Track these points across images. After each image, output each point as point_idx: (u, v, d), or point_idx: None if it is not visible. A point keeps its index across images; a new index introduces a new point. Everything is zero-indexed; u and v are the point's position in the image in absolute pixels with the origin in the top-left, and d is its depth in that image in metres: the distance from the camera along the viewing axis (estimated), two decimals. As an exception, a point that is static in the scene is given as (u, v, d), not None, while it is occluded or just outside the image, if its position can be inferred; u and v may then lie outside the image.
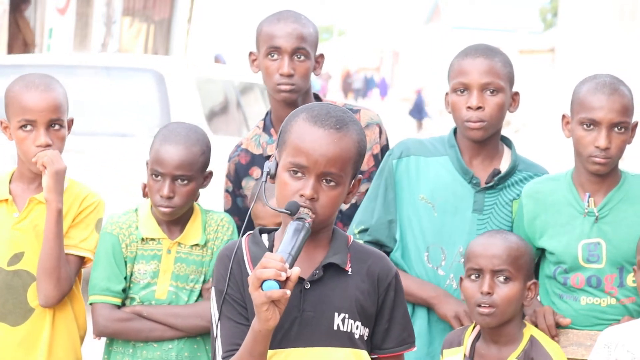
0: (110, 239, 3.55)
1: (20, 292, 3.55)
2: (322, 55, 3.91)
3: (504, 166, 3.63)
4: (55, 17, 13.83)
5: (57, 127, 3.51)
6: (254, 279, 2.50)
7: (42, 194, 3.51)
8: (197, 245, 3.57)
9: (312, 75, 3.89)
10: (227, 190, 3.94)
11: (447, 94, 3.64)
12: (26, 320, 3.55)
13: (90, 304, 3.57)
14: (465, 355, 3.39)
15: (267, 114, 3.97)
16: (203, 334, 3.56)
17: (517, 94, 3.61)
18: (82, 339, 3.67)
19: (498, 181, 3.59)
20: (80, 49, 14.95)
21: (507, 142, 3.69)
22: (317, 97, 3.96)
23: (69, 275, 3.52)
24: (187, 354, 3.55)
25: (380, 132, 3.92)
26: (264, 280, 2.49)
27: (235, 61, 22.08)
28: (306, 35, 3.80)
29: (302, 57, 3.78)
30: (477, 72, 3.52)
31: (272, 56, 3.78)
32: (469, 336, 3.42)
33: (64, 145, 3.54)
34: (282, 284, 2.50)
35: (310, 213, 2.64)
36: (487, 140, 3.58)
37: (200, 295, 3.58)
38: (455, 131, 3.67)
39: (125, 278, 3.55)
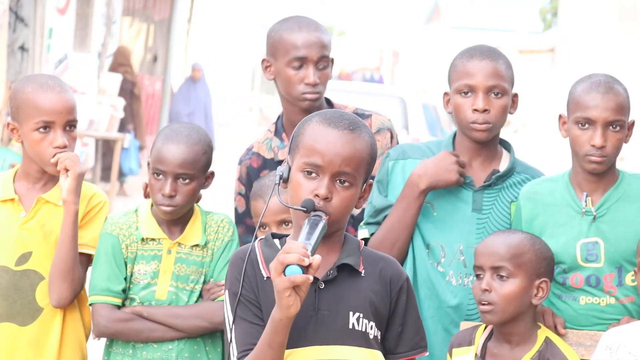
0: (110, 240, 3.54)
1: (28, 292, 3.55)
2: (332, 60, 3.94)
3: (502, 167, 3.67)
4: (55, 17, 13.82)
5: (72, 128, 3.52)
6: (277, 264, 2.53)
7: (49, 193, 3.53)
8: (197, 245, 3.57)
9: None
10: (239, 194, 3.96)
11: (446, 94, 3.66)
12: (35, 320, 3.55)
13: (90, 304, 3.57)
14: (476, 354, 3.39)
15: (278, 118, 3.99)
16: (203, 334, 3.56)
17: (516, 95, 3.65)
18: (86, 338, 3.68)
19: (496, 180, 3.62)
20: (80, 49, 14.93)
21: (505, 145, 3.72)
22: (328, 102, 3.98)
23: (81, 276, 3.54)
24: (187, 355, 3.55)
25: (392, 137, 3.95)
26: (287, 266, 2.51)
27: (223, 66, 22.05)
28: (327, 43, 3.85)
29: (325, 65, 3.83)
30: (483, 75, 3.55)
31: (297, 66, 3.80)
32: (481, 335, 3.42)
33: (75, 146, 3.55)
34: (305, 270, 2.52)
35: (324, 215, 2.66)
36: (487, 142, 3.61)
37: (200, 296, 3.58)
38: (454, 136, 3.69)
39: (125, 279, 3.55)
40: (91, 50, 15.33)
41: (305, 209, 2.66)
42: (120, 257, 3.54)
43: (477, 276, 3.40)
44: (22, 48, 13.33)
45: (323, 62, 3.82)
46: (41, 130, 3.48)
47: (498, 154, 3.69)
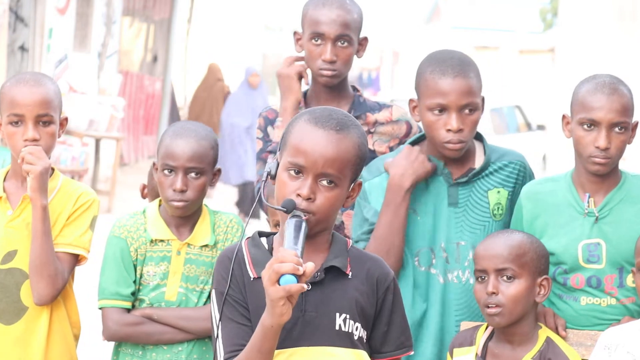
0: (118, 243, 3.54)
1: (13, 290, 3.54)
2: (365, 38, 4.02)
3: (478, 163, 3.64)
4: (55, 17, 13.82)
5: (46, 122, 3.50)
6: (271, 274, 2.51)
7: (27, 191, 3.51)
8: (206, 246, 3.57)
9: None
10: (258, 138, 4.14)
11: (412, 100, 3.62)
12: (20, 319, 3.54)
13: (100, 308, 3.56)
14: (477, 354, 3.38)
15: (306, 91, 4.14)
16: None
17: (483, 99, 3.60)
18: (76, 337, 3.67)
19: (472, 177, 3.61)
20: (80, 49, 14.94)
21: (477, 136, 3.68)
22: (354, 89, 4.07)
23: (61, 273, 3.51)
24: (195, 356, 3.54)
25: (410, 128, 4.00)
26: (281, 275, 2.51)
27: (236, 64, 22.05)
28: (350, 21, 3.90)
29: (345, 44, 3.90)
30: (456, 94, 3.49)
31: (316, 41, 3.90)
32: (482, 335, 3.41)
33: (54, 142, 3.54)
34: (298, 278, 2.51)
35: (304, 214, 2.66)
36: None
37: (209, 296, 3.56)
38: (419, 139, 3.67)
39: (135, 281, 3.54)
40: (91, 50, 15.34)
41: (285, 209, 2.66)
42: (129, 260, 3.53)
43: (479, 279, 3.38)
44: (22, 48, 13.33)
45: (343, 39, 3.88)
46: (13, 123, 3.49)
47: (472, 151, 3.65)
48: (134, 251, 3.53)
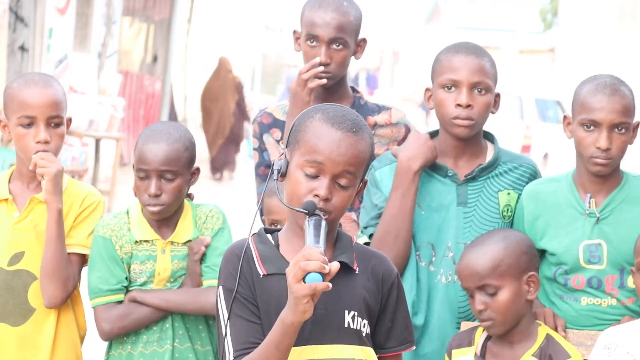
0: (102, 242, 3.53)
1: (20, 292, 3.54)
2: (364, 40, 4.00)
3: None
4: (55, 17, 13.82)
5: (56, 125, 3.51)
6: (297, 271, 2.51)
7: (42, 194, 3.51)
8: (190, 241, 3.57)
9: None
10: (254, 148, 4.09)
11: (427, 89, 3.63)
12: (27, 320, 3.55)
13: (93, 307, 3.56)
14: (476, 354, 3.38)
15: None
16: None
17: (498, 95, 3.61)
18: (82, 339, 3.67)
19: (479, 173, 3.59)
20: (80, 49, 14.94)
21: (489, 137, 3.69)
22: (354, 90, 4.06)
23: (72, 275, 3.53)
24: (181, 333, 3.55)
25: (409, 131, 3.98)
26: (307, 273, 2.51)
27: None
28: (345, 24, 3.88)
29: (340, 46, 3.88)
30: (468, 70, 3.51)
31: (311, 42, 3.88)
32: (480, 335, 3.41)
33: (62, 143, 3.55)
34: (323, 277, 2.52)
35: (324, 215, 2.66)
36: (471, 138, 3.58)
37: (182, 284, 3.58)
38: (432, 135, 3.66)
39: (126, 278, 3.54)
40: (91, 50, 15.33)
41: (307, 212, 2.66)
42: (116, 256, 3.53)
43: (468, 295, 3.40)
44: (22, 48, 13.33)
45: (338, 42, 3.86)
46: (24, 125, 3.49)
47: (483, 149, 3.65)
48: (119, 249, 3.53)
